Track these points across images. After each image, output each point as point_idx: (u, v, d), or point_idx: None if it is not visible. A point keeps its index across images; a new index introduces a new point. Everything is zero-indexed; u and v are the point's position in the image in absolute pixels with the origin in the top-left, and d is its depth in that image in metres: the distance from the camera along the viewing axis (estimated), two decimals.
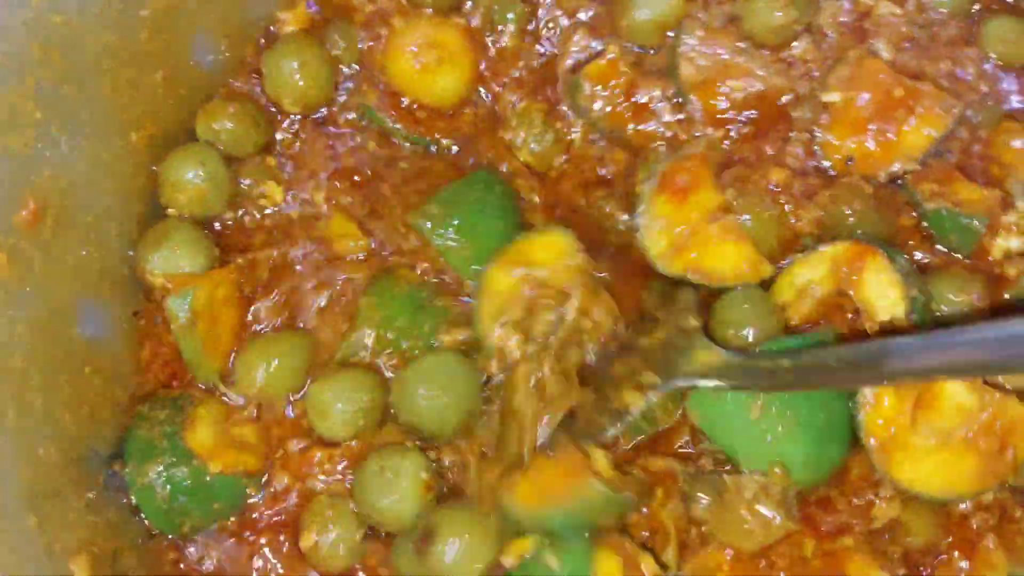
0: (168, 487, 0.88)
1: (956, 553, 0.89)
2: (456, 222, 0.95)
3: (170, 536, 0.91)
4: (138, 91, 0.93)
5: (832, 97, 0.97)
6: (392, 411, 0.92)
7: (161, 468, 0.88)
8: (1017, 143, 0.96)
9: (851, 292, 0.90)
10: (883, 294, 0.88)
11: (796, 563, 0.87)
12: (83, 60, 0.86)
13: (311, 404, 0.91)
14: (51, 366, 0.84)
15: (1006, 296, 0.92)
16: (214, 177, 0.96)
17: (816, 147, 0.98)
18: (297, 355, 0.93)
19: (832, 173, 0.98)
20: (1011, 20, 0.99)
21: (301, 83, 0.99)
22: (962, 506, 0.89)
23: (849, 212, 0.93)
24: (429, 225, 0.95)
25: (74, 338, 0.87)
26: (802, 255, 0.93)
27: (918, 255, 0.95)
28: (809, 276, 0.92)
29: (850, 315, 0.91)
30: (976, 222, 0.92)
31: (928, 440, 0.85)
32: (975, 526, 0.89)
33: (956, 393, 0.85)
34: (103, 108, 0.89)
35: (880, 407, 0.86)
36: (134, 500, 0.89)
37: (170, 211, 0.97)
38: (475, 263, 0.95)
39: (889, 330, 0.88)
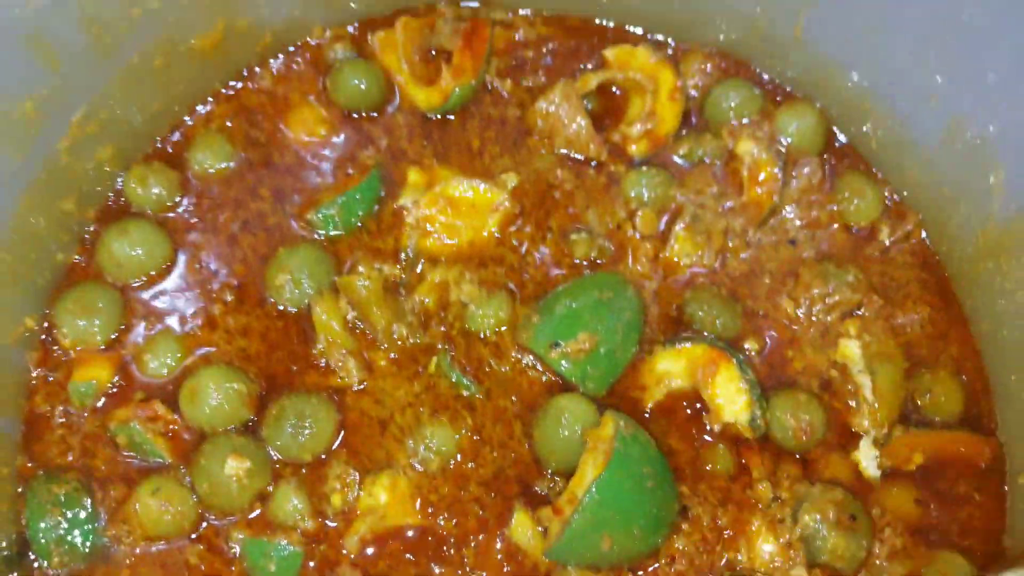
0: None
1: None
2: None
3: None
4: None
5: None
6: None
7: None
8: None
9: (704, 391, 0.94)
10: (732, 399, 0.92)
11: None
12: None
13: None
14: None
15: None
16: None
17: None
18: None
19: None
20: None
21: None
22: None
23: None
24: None
25: None
26: (663, 347, 0.96)
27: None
28: (669, 367, 0.95)
29: (690, 411, 0.95)
30: None
31: None
32: None
33: None
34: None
35: None
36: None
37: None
38: None
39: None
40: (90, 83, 0.94)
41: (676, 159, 1.07)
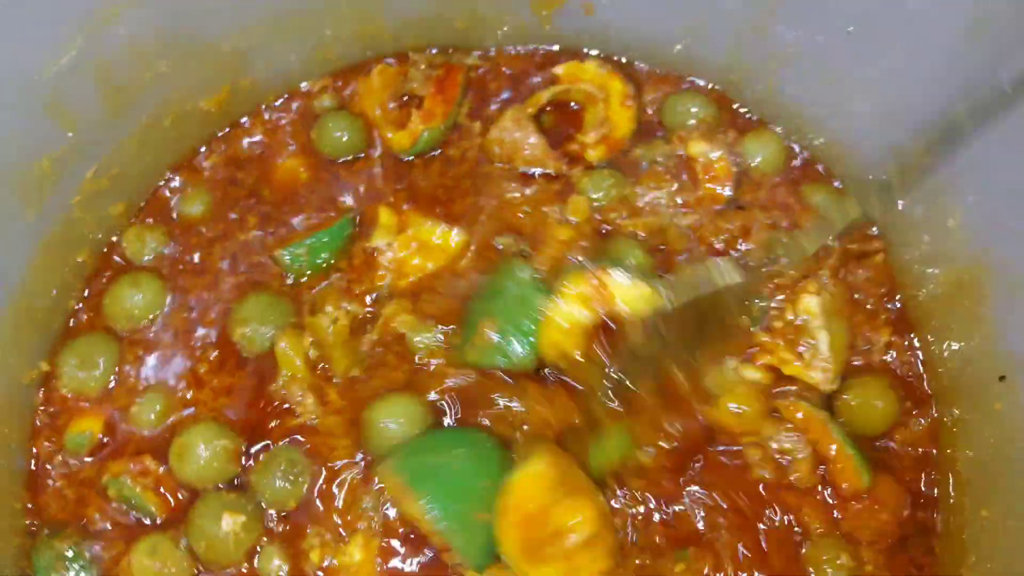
0: None
1: None
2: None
3: None
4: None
5: None
6: None
7: None
8: None
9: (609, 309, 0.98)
10: (633, 298, 0.98)
11: None
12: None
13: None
14: None
15: None
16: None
17: None
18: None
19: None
20: None
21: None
22: None
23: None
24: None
25: None
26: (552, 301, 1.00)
27: None
28: (572, 311, 0.99)
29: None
30: None
31: None
32: None
33: None
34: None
35: None
36: None
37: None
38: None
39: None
40: (102, 142, 1.04)
41: (634, 162, 1.16)
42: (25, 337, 1.01)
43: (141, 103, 1.05)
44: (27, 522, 0.99)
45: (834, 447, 1.01)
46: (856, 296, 1.12)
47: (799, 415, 1.02)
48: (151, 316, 1.07)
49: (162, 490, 0.99)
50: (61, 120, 0.97)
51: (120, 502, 0.98)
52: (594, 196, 1.13)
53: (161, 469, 0.98)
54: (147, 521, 0.98)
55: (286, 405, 1.03)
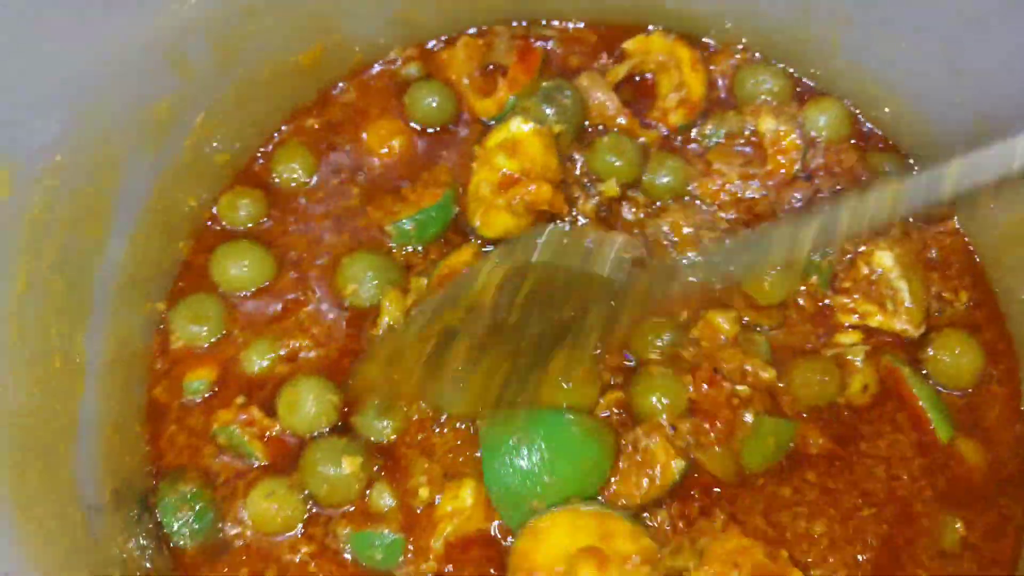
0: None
1: None
2: None
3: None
4: None
5: None
6: None
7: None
8: None
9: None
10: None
11: None
12: None
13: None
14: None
15: None
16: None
17: None
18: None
19: None
20: None
21: None
22: None
23: None
24: None
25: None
26: None
27: None
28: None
29: None
30: None
31: None
32: None
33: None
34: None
35: None
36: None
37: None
38: None
39: None
40: (211, 90, 1.08)
41: (697, 143, 1.21)
42: (142, 272, 1.05)
43: (244, 54, 1.10)
44: (148, 467, 1.03)
45: (914, 401, 1.04)
46: (930, 255, 1.16)
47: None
48: (257, 282, 1.11)
49: (267, 436, 1.02)
50: (179, 68, 1.01)
51: (228, 450, 1.02)
52: (663, 180, 1.17)
53: (268, 420, 1.02)
54: (255, 464, 1.01)
55: None
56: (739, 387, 1.00)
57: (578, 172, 1.18)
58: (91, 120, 0.91)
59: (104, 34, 0.90)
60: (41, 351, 0.86)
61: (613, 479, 0.97)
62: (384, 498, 0.98)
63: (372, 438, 1.01)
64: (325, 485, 0.97)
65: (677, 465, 0.97)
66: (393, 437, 1.02)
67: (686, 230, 1.15)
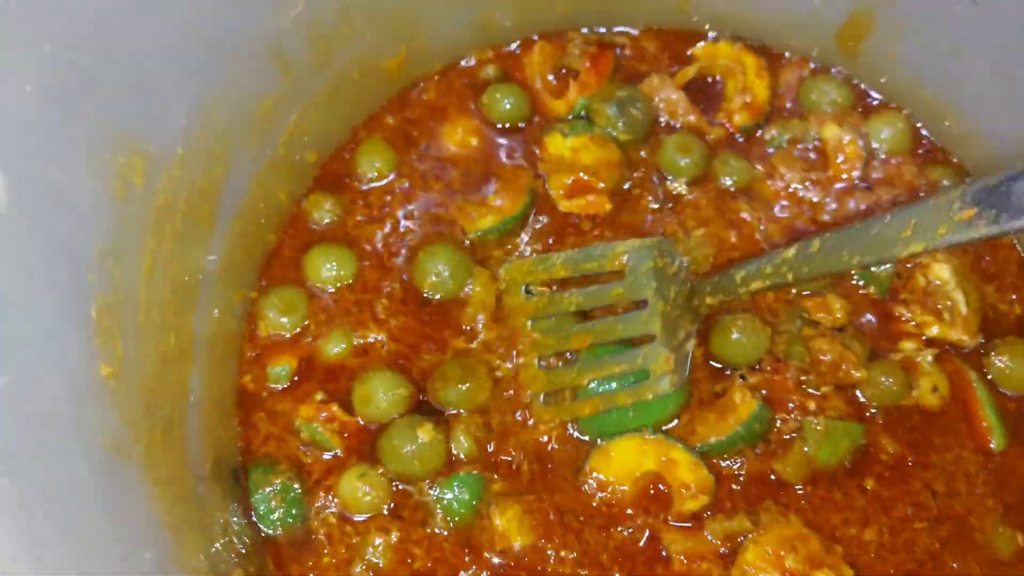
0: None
1: None
2: None
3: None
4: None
5: None
6: None
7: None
8: None
9: None
10: None
11: None
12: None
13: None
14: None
15: None
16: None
17: None
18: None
19: None
20: None
21: None
22: None
23: None
24: None
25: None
26: None
27: None
28: None
29: None
30: None
31: None
32: None
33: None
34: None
35: None
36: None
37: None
38: None
39: None
40: (306, 90, 1.15)
41: (764, 147, 1.27)
42: (238, 260, 1.12)
43: (338, 56, 1.17)
44: (238, 446, 1.10)
45: (977, 406, 1.09)
46: (985, 267, 1.20)
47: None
48: (343, 280, 1.17)
49: (346, 432, 1.09)
50: (282, 68, 1.08)
51: (311, 444, 1.09)
52: (727, 182, 1.23)
53: (347, 417, 1.09)
54: (337, 454, 1.08)
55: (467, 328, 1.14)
56: (805, 378, 1.08)
57: (644, 170, 1.24)
58: (209, 115, 0.98)
59: (220, 31, 0.97)
60: (161, 327, 0.93)
61: (687, 419, 1.08)
62: (462, 445, 1.06)
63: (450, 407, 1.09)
64: (413, 461, 1.04)
65: (749, 407, 1.05)
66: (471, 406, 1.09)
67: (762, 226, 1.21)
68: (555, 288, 1.13)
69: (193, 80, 0.94)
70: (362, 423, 1.09)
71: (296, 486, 1.06)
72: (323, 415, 1.08)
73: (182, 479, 0.92)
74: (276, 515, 1.04)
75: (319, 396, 1.10)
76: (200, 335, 1.02)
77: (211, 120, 0.98)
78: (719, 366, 1.12)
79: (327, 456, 1.08)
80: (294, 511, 1.05)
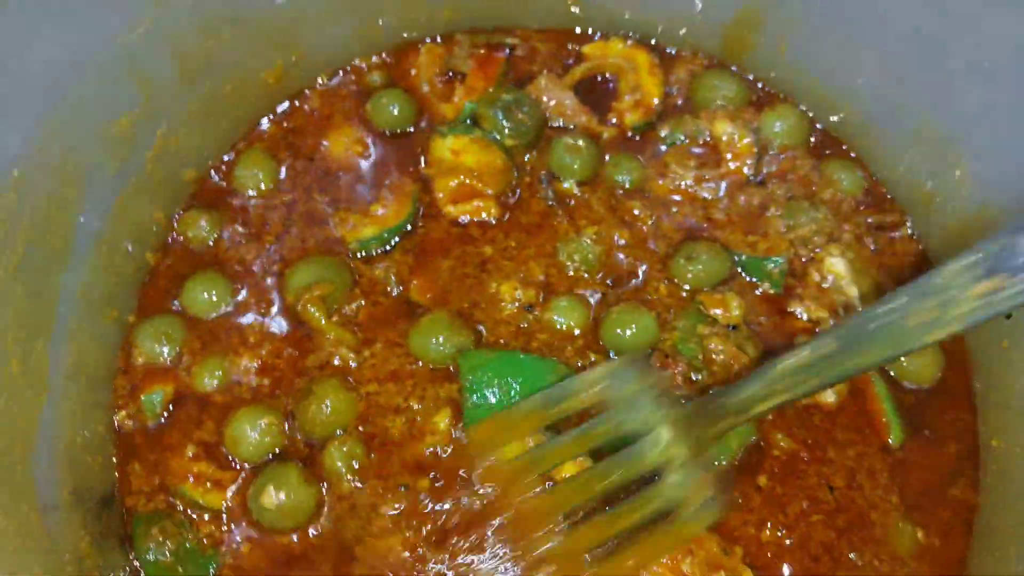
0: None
1: None
2: None
3: None
4: None
5: None
6: None
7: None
8: None
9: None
10: None
11: None
12: None
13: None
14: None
15: None
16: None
17: None
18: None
19: None
20: None
21: None
22: None
23: None
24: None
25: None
26: None
27: None
28: None
29: None
30: None
31: None
32: None
33: None
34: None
35: None
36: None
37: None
38: None
39: None
40: (174, 105, 1.12)
41: (659, 145, 1.24)
42: (108, 282, 1.08)
43: (207, 70, 1.13)
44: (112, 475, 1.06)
45: (875, 401, 1.07)
46: (884, 260, 1.17)
47: None
48: (219, 308, 1.13)
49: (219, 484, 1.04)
50: (140, 84, 1.04)
51: (191, 506, 1.03)
52: (619, 181, 1.21)
53: (217, 471, 1.04)
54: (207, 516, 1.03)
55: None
56: (696, 377, 1.06)
57: (532, 173, 1.22)
58: (56, 133, 0.94)
59: (62, 49, 0.94)
60: None
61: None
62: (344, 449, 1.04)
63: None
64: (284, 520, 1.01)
65: None
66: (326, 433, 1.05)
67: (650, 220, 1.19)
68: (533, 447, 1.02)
69: (27, 99, 0.90)
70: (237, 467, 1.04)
71: (181, 531, 1.01)
72: (190, 479, 1.03)
73: (19, 512, 0.87)
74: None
75: (190, 451, 1.05)
76: (60, 361, 0.99)
77: (59, 138, 0.94)
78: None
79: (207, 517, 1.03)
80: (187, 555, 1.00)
